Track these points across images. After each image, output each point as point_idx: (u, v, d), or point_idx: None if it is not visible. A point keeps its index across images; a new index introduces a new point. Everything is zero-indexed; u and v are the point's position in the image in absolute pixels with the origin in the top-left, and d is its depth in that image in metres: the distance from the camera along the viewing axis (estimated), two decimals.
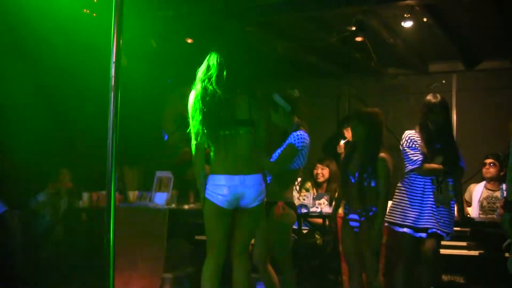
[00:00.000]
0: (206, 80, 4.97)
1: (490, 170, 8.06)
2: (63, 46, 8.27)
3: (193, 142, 5.00)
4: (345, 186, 6.03)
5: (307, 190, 8.19)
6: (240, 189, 4.92)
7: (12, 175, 7.83)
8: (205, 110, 4.90)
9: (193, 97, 4.99)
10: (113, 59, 3.49)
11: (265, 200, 5.16)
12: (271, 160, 5.80)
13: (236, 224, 5.09)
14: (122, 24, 3.69)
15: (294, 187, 7.46)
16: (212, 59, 5.05)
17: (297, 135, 5.82)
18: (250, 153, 5.00)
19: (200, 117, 4.92)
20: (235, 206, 4.98)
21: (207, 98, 4.92)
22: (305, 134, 5.85)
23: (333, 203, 6.64)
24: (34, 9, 7.11)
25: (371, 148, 5.85)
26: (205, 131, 4.92)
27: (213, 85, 4.94)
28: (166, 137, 7.50)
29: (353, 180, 5.84)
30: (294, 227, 6.75)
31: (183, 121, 5.54)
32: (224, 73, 4.95)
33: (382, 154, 5.82)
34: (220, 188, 4.92)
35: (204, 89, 4.95)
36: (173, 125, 7.60)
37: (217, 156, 4.99)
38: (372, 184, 5.75)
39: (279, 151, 5.84)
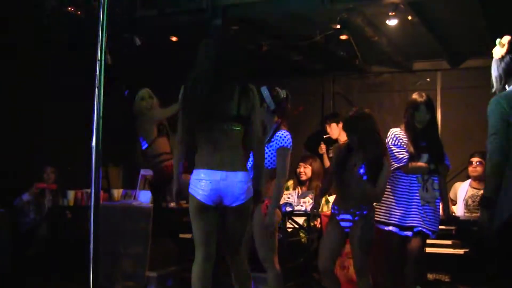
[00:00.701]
0: (196, 75, 4.98)
1: (477, 169, 8.06)
2: (48, 43, 8.25)
3: (178, 135, 5.00)
4: (339, 186, 6.00)
5: (287, 189, 8.16)
6: (222, 185, 4.85)
7: None
8: (193, 105, 4.90)
9: (183, 91, 4.99)
10: (98, 57, 3.47)
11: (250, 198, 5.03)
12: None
13: (223, 224, 5.04)
14: (106, 23, 3.67)
15: None
16: (201, 55, 5.05)
17: (284, 136, 5.79)
18: (238, 149, 4.98)
19: (188, 111, 4.94)
20: (218, 203, 4.91)
21: (197, 93, 4.90)
22: (289, 134, 5.83)
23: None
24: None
25: (372, 151, 5.78)
26: (192, 125, 4.93)
27: (203, 79, 4.94)
28: (144, 146, 7.50)
29: (350, 181, 5.83)
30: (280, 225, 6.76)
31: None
32: (215, 68, 4.96)
33: (385, 157, 5.80)
34: (201, 183, 4.87)
35: (194, 84, 4.95)
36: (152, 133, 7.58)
37: (202, 150, 4.95)
38: (372, 184, 5.72)
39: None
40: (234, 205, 4.92)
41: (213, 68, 4.97)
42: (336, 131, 9.16)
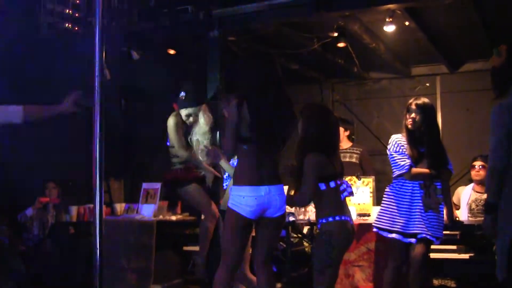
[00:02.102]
0: (259, 91, 5.05)
1: (480, 172, 8.02)
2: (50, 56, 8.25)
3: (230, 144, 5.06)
4: None
5: None
6: (267, 199, 4.97)
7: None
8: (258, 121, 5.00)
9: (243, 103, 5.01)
10: (96, 73, 3.46)
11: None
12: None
13: (261, 235, 5.18)
14: (104, 37, 3.66)
15: None
16: (256, 71, 5.16)
17: None
18: (278, 164, 5.14)
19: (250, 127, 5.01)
20: (259, 217, 5.05)
21: (249, 112, 4.98)
22: None
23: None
24: None
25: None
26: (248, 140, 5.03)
27: (258, 99, 5.03)
28: (168, 143, 7.43)
29: None
30: (282, 235, 6.76)
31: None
32: (277, 87, 5.12)
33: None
34: (247, 199, 4.96)
35: (244, 102, 5.00)
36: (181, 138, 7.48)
37: (244, 166, 5.06)
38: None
39: None
40: (275, 216, 5.07)
41: (272, 88, 5.07)
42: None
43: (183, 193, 7.15)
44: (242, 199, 4.96)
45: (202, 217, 7.09)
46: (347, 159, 8.84)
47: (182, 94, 7.12)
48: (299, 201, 5.46)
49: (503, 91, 4.68)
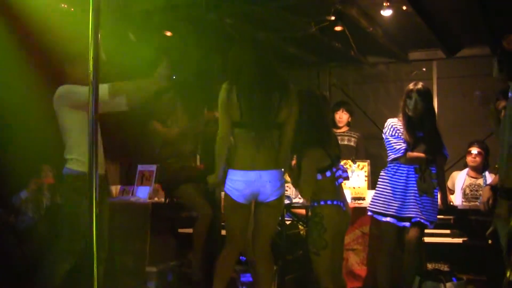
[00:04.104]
0: (245, 79, 5.09)
1: (476, 159, 8.02)
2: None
3: (219, 135, 5.13)
4: None
5: (287, 181, 8.14)
6: (257, 184, 5.02)
7: None
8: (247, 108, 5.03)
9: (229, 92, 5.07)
10: (91, 54, 3.45)
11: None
12: None
13: (256, 219, 5.26)
14: (100, 19, 3.65)
15: None
16: (242, 58, 5.19)
17: None
18: (274, 150, 5.13)
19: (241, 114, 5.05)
20: (250, 201, 5.14)
21: (238, 97, 5.03)
22: None
23: None
24: None
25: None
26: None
27: (246, 83, 5.06)
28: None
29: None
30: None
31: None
32: (263, 72, 5.14)
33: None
34: (237, 183, 5.05)
35: (234, 87, 5.06)
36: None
37: (238, 151, 5.12)
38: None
39: None
40: (268, 200, 5.12)
41: (262, 72, 5.12)
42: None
43: (179, 193, 7.19)
44: (233, 183, 5.06)
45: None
46: (345, 142, 8.89)
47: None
48: (307, 184, 5.40)
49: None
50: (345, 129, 9.03)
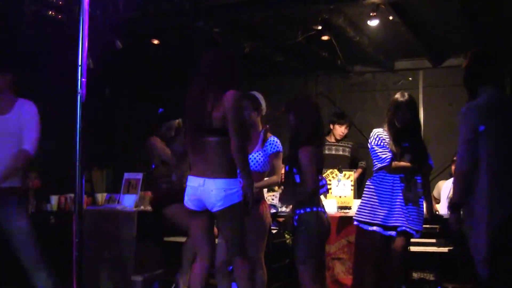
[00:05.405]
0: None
1: None
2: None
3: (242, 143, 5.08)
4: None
5: (272, 190, 8.16)
6: (200, 191, 4.94)
7: None
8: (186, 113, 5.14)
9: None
10: (79, 62, 3.45)
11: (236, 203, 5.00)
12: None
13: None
14: (86, 26, 3.66)
15: None
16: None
17: (276, 141, 6.05)
18: (218, 158, 4.98)
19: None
20: (203, 208, 5.03)
21: (190, 103, 5.09)
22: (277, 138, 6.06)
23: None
24: None
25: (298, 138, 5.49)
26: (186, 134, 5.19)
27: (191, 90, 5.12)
28: (153, 166, 7.46)
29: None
30: None
31: None
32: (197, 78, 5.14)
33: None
34: (188, 188, 5.05)
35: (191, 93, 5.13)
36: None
37: (191, 158, 5.13)
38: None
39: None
40: (213, 210, 4.99)
41: (197, 79, 5.15)
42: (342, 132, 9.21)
43: (167, 213, 7.18)
44: (187, 188, 5.07)
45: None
46: (340, 152, 8.97)
47: (161, 110, 7.27)
48: (302, 196, 5.35)
49: (472, 92, 4.78)
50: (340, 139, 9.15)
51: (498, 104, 4.62)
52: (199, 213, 5.05)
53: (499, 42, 8.56)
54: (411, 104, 6.20)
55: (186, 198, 5.04)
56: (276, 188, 8.39)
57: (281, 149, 6.00)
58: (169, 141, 7.33)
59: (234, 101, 4.92)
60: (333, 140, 9.24)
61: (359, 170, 9.26)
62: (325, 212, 5.42)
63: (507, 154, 4.65)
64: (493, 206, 4.59)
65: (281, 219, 7.50)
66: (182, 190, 5.16)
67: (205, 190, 4.91)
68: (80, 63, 3.38)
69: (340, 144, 9.15)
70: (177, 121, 7.31)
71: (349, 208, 7.51)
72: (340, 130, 9.21)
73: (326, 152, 8.93)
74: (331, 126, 9.31)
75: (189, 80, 5.17)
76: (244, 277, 5.10)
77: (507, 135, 4.61)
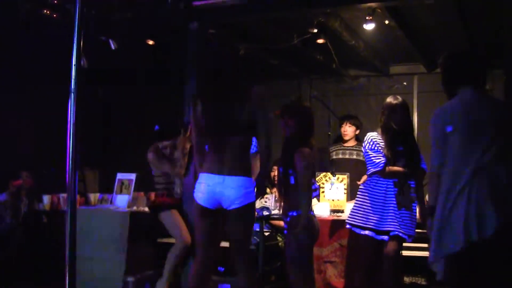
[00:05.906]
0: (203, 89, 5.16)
1: None
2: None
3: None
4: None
5: (266, 193, 8.14)
6: (219, 189, 4.94)
7: None
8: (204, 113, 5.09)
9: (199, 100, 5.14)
10: (73, 61, 3.44)
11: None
12: None
13: (227, 227, 5.16)
14: (82, 27, 3.64)
15: None
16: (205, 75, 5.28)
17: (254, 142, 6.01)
18: (240, 156, 5.06)
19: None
20: (216, 207, 5.03)
21: (207, 102, 5.09)
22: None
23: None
24: None
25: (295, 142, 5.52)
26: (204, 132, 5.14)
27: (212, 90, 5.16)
28: (153, 172, 7.45)
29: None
30: (257, 229, 6.81)
31: None
32: (216, 79, 5.21)
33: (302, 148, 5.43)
34: (202, 186, 5.02)
35: (205, 94, 5.20)
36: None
37: (207, 156, 5.12)
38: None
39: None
40: (230, 208, 4.99)
41: (214, 80, 5.22)
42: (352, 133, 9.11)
43: (162, 217, 7.16)
44: (199, 186, 5.05)
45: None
46: (354, 157, 8.87)
47: (157, 128, 7.27)
48: (306, 198, 5.34)
49: (450, 96, 4.78)
50: (353, 143, 8.97)
51: (469, 104, 4.60)
52: (212, 211, 5.05)
53: (493, 48, 8.57)
54: (405, 107, 6.21)
55: (200, 195, 5.01)
56: (268, 190, 8.39)
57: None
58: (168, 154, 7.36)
59: (261, 97, 5.08)
60: (344, 143, 9.08)
61: None
62: (314, 215, 5.47)
63: (470, 153, 4.62)
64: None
65: (274, 222, 7.50)
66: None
67: (225, 187, 4.93)
68: (74, 63, 3.36)
69: (354, 148, 9.00)
70: (170, 142, 7.33)
71: (342, 211, 7.50)
72: (341, 130, 9.11)
73: (340, 156, 8.92)
74: (347, 127, 9.14)
75: (188, 80, 5.18)
76: (246, 277, 5.19)
77: (474, 135, 4.58)
